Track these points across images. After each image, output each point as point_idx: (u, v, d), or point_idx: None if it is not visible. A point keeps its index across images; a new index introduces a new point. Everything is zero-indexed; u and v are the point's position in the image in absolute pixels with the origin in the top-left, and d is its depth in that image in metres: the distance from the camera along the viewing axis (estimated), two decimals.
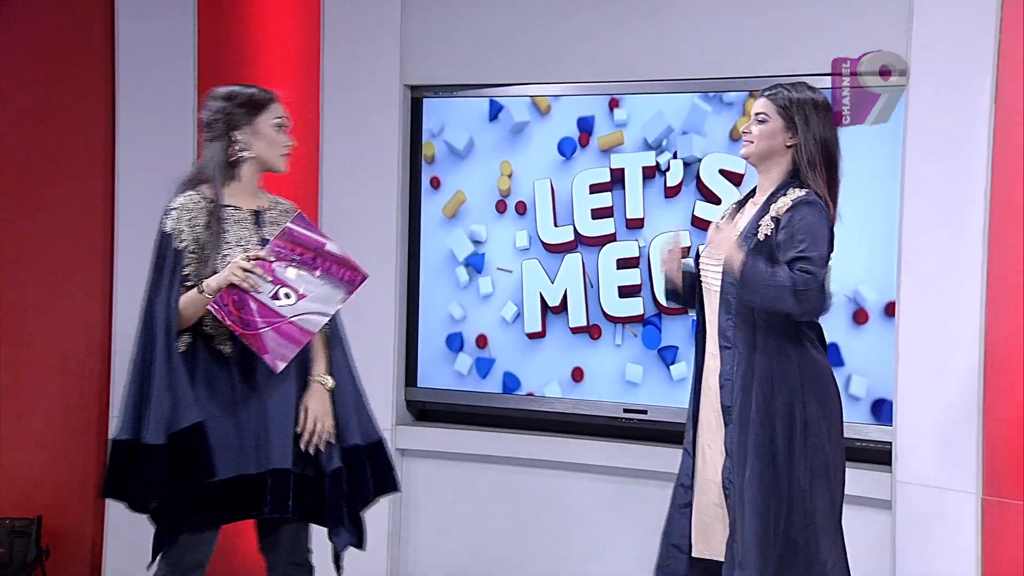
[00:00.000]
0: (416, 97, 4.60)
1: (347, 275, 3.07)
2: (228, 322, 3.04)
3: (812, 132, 3.09)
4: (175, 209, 3.13)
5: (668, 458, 4.23)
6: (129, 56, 4.71)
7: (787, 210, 3.04)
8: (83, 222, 4.87)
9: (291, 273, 3.02)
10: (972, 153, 3.69)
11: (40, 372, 4.81)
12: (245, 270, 3.03)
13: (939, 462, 3.71)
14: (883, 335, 3.90)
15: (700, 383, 3.24)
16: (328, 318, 3.11)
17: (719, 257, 3.12)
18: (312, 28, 4.61)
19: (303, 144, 4.64)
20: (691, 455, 3.25)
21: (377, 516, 4.57)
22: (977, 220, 3.68)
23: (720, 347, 3.15)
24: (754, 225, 3.10)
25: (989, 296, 3.67)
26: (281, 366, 3.07)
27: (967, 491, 3.69)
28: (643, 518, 4.33)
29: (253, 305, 3.03)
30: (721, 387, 3.15)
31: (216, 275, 3.07)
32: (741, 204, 3.28)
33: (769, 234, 3.06)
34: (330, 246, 3.08)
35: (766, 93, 3.18)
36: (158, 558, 3.14)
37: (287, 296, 3.03)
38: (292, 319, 3.05)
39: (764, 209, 3.10)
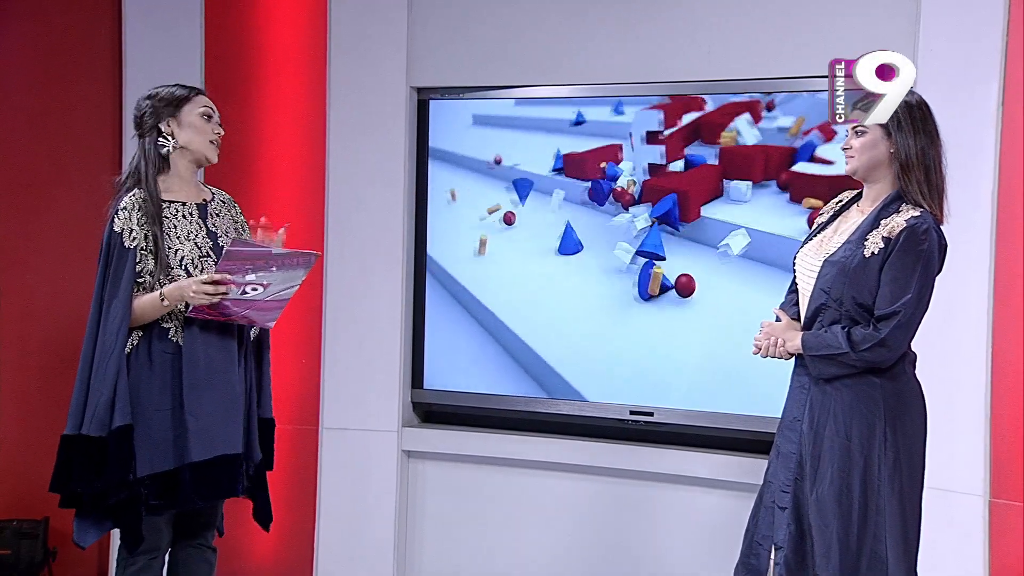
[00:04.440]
0: (422, 99, 4.61)
1: (301, 260, 3.18)
2: (209, 319, 3.18)
3: (905, 135, 3.01)
4: (123, 209, 3.21)
5: (674, 460, 4.26)
6: (136, 59, 4.72)
7: (899, 232, 2.96)
8: (88, 225, 4.85)
9: (250, 276, 3.14)
10: (979, 157, 3.70)
11: (45, 373, 4.81)
12: (208, 293, 3.11)
13: (946, 465, 3.72)
14: None
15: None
16: (298, 286, 3.23)
17: (814, 268, 3.08)
18: (319, 30, 4.61)
19: (309, 146, 4.67)
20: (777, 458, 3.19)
21: (383, 517, 4.61)
22: (984, 224, 3.69)
23: (798, 357, 3.12)
24: (861, 237, 3.02)
25: (996, 299, 3.68)
26: (272, 325, 3.30)
27: (974, 494, 3.70)
28: (649, 520, 4.34)
29: (227, 303, 3.16)
30: (790, 391, 3.13)
31: (176, 287, 3.15)
32: (845, 207, 3.19)
33: (876, 253, 2.97)
34: (275, 251, 3.17)
35: None
36: (118, 545, 3.28)
37: (254, 289, 3.16)
38: (267, 300, 3.20)
39: (874, 222, 3.01)
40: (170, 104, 3.27)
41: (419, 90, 4.61)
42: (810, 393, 3.06)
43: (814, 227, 3.24)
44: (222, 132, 3.33)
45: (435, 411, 4.72)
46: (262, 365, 3.42)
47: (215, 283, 3.10)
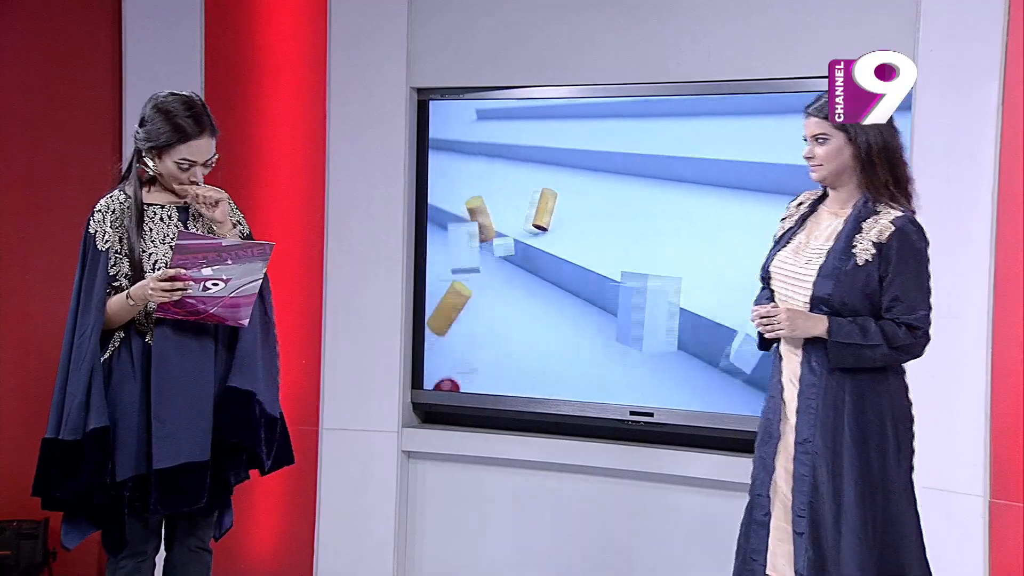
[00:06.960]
0: (422, 100, 4.61)
1: (256, 251, 3.12)
2: (178, 318, 3.14)
3: (867, 132, 2.98)
4: (97, 211, 3.20)
5: (674, 461, 4.26)
6: (136, 59, 4.71)
7: (889, 236, 2.93)
8: None
9: (207, 272, 3.08)
10: (979, 157, 3.69)
11: (45, 373, 4.80)
12: (165, 290, 3.07)
13: (946, 465, 3.72)
14: None
15: (780, 399, 3.09)
16: (261, 279, 3.18)
17: (797, 275, 3.04)
18: (319, 31, 4.61)
19: (309, 146, 4.67)
20: (767, 472, 3.10)
21: (383, 517, 4.61)
22: (984, 224, 3.69)
23: (802, 374, 3.04)
24: (847, 244, 2.98)
25: (996, 299, 3.68)
26: (246, 322, 3.20)
27: (974, 494, 3.69)
28: (649, 520, 4.34)
29: (191, 300, 3.11)
30: (799, 414, 3.03)
31: (140, 287, 3.11)
32: (812, 208, 3.13)
33: (870, 260, 2.95)
34: (225, 242, 3.12)
35: (816, 112, 3.02)
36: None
37: (215, 285, 3.11)
38: (232, 295, 3.14)
39: (855, 227, 2.98)
40: (163, 139, 3.16)
41: (419, 90, 4.61)
42: (819, 414, 2.99)
43: (783, 232, 3.17)
44: (198, 180, 3.21)
45: (435, 411, 4.72)
46: (267, 358, 3.35)
47: (171, 279, 3.05)
